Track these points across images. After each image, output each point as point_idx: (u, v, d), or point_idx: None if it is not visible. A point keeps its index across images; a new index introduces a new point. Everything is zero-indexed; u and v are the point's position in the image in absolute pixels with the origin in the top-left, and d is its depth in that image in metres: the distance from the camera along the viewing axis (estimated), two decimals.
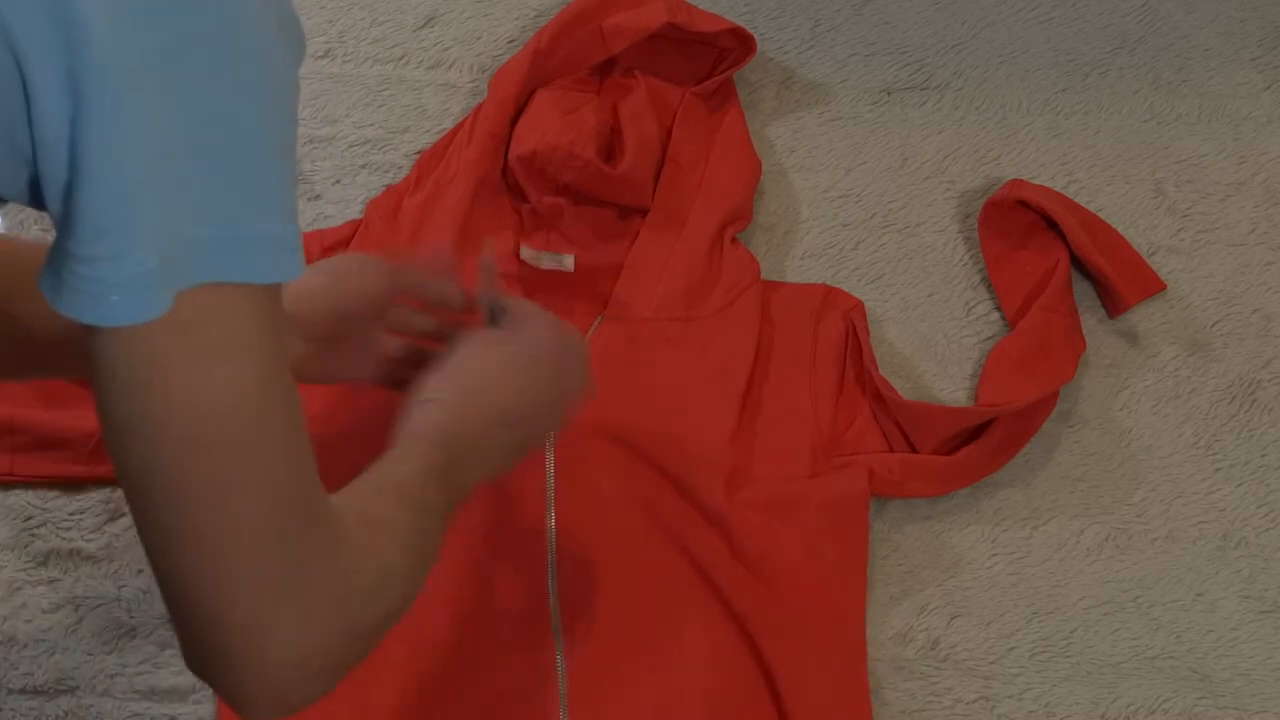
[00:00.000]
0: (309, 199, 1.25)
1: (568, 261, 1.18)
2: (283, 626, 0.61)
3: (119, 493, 1.10)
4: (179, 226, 0.54)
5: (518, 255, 1.19)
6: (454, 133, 1.26)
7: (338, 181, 1.26)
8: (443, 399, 0.82)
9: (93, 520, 1.09)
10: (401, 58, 1.34)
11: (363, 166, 1.27)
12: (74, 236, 0.54)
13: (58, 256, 0.55)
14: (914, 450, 1.13)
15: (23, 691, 1.03)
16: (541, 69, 1.25)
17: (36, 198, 0.56)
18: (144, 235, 0.54)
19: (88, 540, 1.09)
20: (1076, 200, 1.27)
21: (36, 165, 0.54)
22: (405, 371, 0.93)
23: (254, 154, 0.56)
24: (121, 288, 0.54)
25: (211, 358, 0.56)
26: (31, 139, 0.53)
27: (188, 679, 1.04)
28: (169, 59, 0.53)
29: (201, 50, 0.53)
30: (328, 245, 1.19)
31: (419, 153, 1.27)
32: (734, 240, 1.22)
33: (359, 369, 0.98)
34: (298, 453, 0.61)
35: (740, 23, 1.30)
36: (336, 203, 1.25)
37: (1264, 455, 1.18)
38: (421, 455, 0.77)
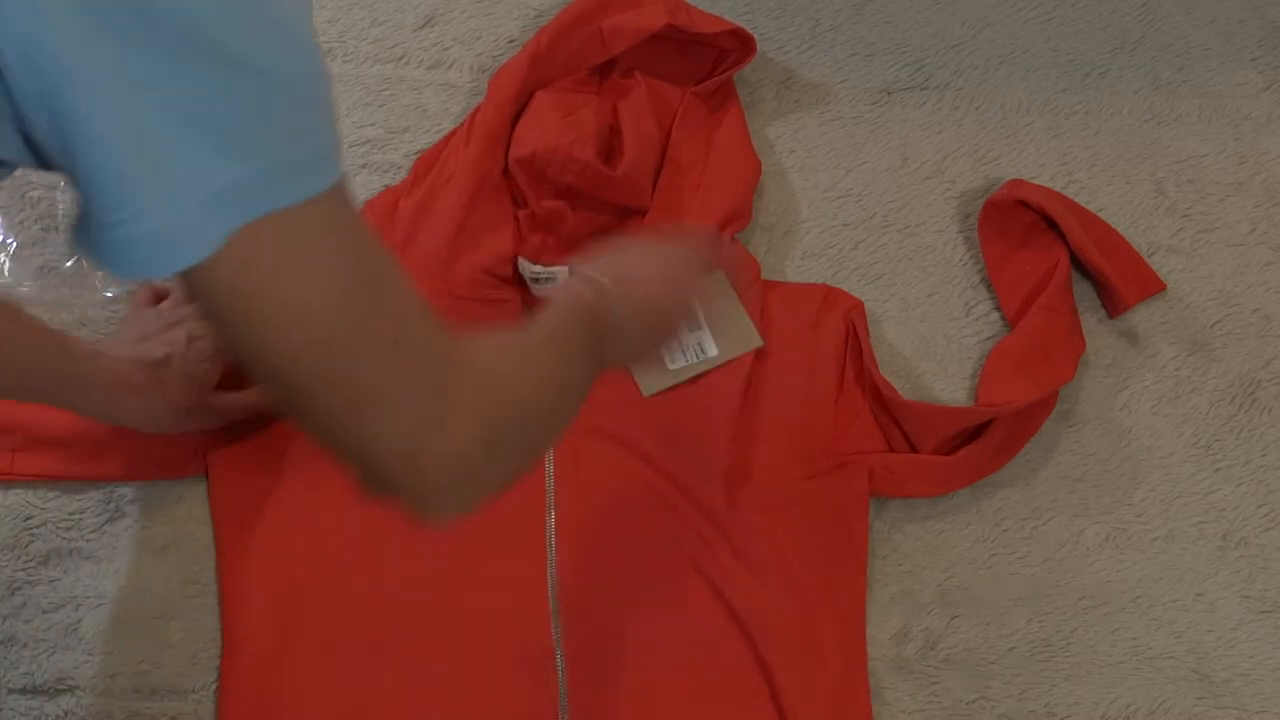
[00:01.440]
0: None
1: (561, 280, 1.18)
2: (436, 450, 0.67)
3: (119, 492, 1.10)
4: (199, 172, 0.56)
5: (514, 260, 1.19)
6: (451, 135, 1.26)
7: None
8: (594, 279, 0.87)
9: (93, 520, 1.10)
10: (401, 58, 1.34)
11: (363, 166, 1.27)
12: (98, 202, 0.55)
13: (90, 226, 0.57)
14: (914, 450, 1.13)
15: (23, 691, 1.03)
16: (541, 70, 1.25)
17: (41, 160, 0.58)
18: (164, 191, 0.55)
19: (88, 540, 1.09)
20: (1076, 200, 1.27)
21: (26, 126, 0.55)
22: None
23: (266, 84, 0.58)
24: (149, 240, 0.56)
25: (294, 270, 0.60)
26: (12, 99, 0.54)
27: (188, 679, 1.04)
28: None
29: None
30: None
31: (419, 153, 1.27)
32: (733, 240, 1.22)
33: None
34: (406, 306, 0.66)
35: (740, 23, 1.30)
36: None
37: (1264, 455, 1.18)
38: (571, 317, 0.83)
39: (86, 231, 0.58)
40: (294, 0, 0.61)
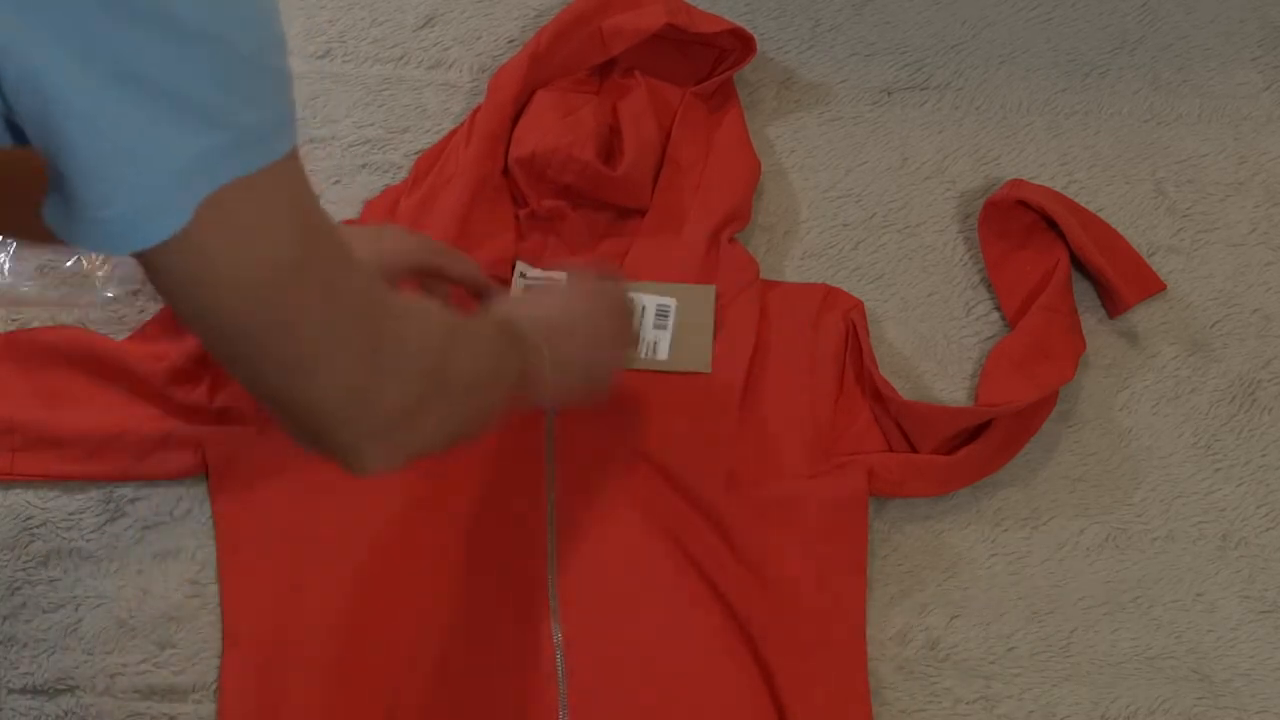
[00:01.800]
0: None
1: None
2: (368, 404, 0.71)
3: (119, 492, 1.10)
4: (172, 145, 0.56)
5: (513, 261, 1.19)
6: (451, 135, 1.26)
7: (337, 181, 1.26)
8: (528, 337, 0.91)
9: (93, 520, 1.09)
10: (401, 58, 1.34)
11: (362, 166, 1.27)
12: (71, 181, 0.56)
13: (59, 198, 0.57)
14: (914, 450, 1.13)
15: (23, 691, 1.03)
16: (541, 70, 1.25)
17: (18, 136, 0.58)
18: (138, 165, 0.55)
19: (88, 540, 1.09)
20: (1076, 200, 1.27)
21: (12, 113, 0.55)
22: None
23: (229, 53, 0.57)
24: (127, 218, 0.56)
25: (255, 233, 0.61)
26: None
27: (187, 679, 1.04)
28: None
29: None
30: None
31: (419, 153, 1.27)
32: (732, 240, 1.22)
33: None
34: (349, 265, 0.68)
35: (740, 23, 1.30)
36: (336, 203, 1.25)
37: (1264, 455, 1.18)
38: (499, 318, 0.89)
39: (59, 208, 0.58)
40: None
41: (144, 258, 0.60)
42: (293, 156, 0.63)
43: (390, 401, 0.72)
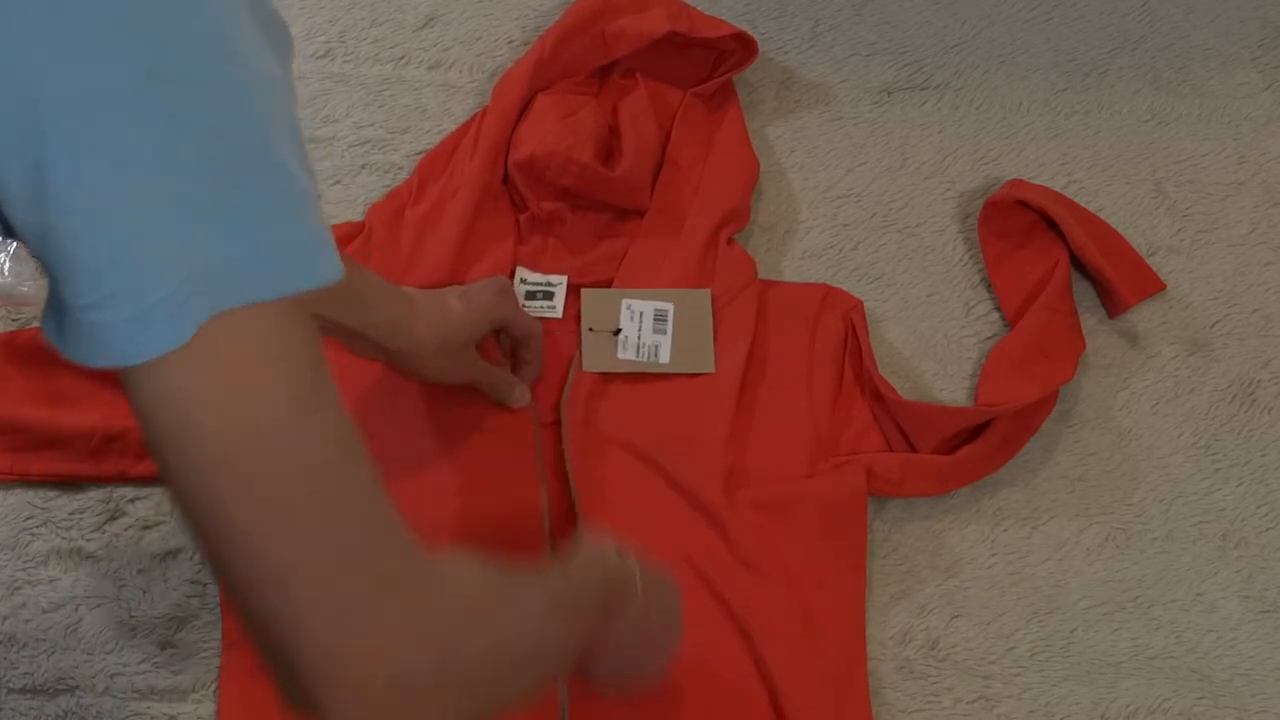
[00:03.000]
0: None
1: (558, 306, 1.18)
2: (363, 657, 0.57)
3: (119, 492, 1.10)
4: (180, 254, 0.51)
5: (513, 268, 1.19)
6: (457, 138, 1.26)
7: (338, 181, 1.27)
8: (622, 556, 0.82)
9: (93, 520, 1.10)
10: (401, 58, 1.35)
11: (363, 167, 1.27)
12: (67, 282, 0.51)
13: (54, 303, 0.52)
14: (914, 450, 1.13)
15: (23, 691, 1.03)
16: (544, 76, 1.25)
17: (10, 232, 0.54)
18: (141, 271, 0.51)
19: (88, 540, 1.09)
20: (1076, 200, 1.27)
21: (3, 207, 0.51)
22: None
23: (251, 162, 0.53)
24: (123, 327, 0.51)
25: (236, 388, 0.53)
26: None
27: (187, 678, 1.04)
28: (149, 79, 0.50)
29: (182, 65, 0.51)
30: None
31: (419, 153, 1.27)
32: (730, 240, 1.22)
33: (459, 375, 1.08)
34: (354, 473, 0.58)
35: (740, 23, 1.30)
36: (337, 203, 1.25)
37: (1264, 455, 1.18)
38: (586, 575, 0.77)
39: (53, 317, 0.52)
40: (276, 87, 0.56)
41: (126, 374, 0.53)
42: (300, 304, 0.55)
43: (398, 663, 0.57)
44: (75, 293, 0.51)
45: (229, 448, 0.54)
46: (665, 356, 1.15)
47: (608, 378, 1.14)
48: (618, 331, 1.15)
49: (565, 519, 1.09)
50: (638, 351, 1.15)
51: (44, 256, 0.52)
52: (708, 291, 1.18)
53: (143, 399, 0.54)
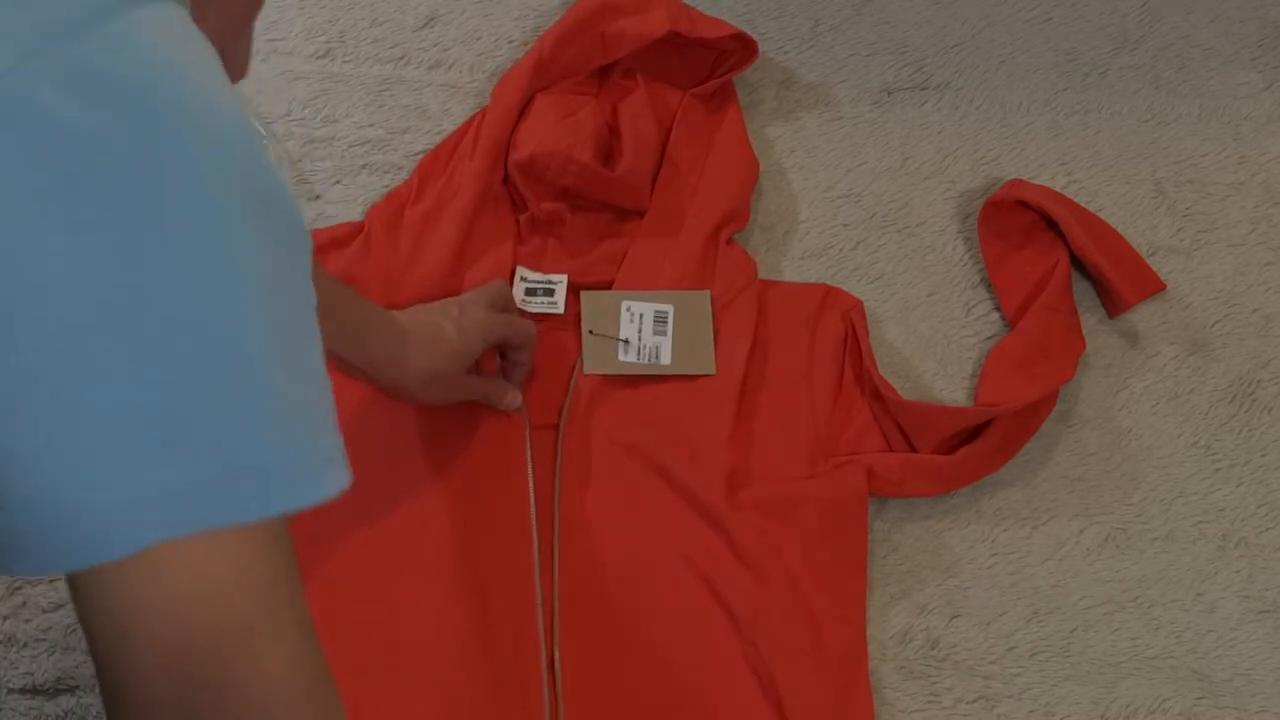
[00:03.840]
0: (309, 199, 1.25)
1: (559, 301, 1.18)
2: None
3: None
4: (140, 471, 0.47)
5: (514, 268, 1.19)
6: (457, 138, 1.26)
7: (338, 181, 1.27)
8: None
9: None
10: (401, 58, 1.35)
11: (363, 167, 1.27)
12: (12, 509, 0.48)
13: None
14: (914, 450, 1.13)
15: (23, 691, 1.03)
16: (544, 76, 1.25)
17: None
18: (96, 494, 0.47)
19: None
20: (1076, 200, 1.27)
21: None
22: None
23: (234, 370, 0.49)
24: (77, 544, 0.48)
25: (187, 606, 0.50)
26: None
27: None
28: (130, 295, 0.46)
29: (165, 276, 0.47)
30: (323, 243, 1.19)
31: (419, 153, 1.27)
32: (730, 241, 1.22)
33: (450, 399, 1.08)
34: (309, 702, 0.55)
35: (740, 23, 1.30)
36: (336, 203, 1.25)
37: (1264, 455, 1.18)
38: None
39: None
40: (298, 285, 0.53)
41: (71, 591, 0.51)
42: (278, 525, 0.51)
43: None
44: (17, 517, 0.47)
45: (167, 677, 0.50)
46: (666, 358, 1.15)
47: (609, 380, 1.14)
48: (622, 340, 1.15)
49: (561, 521, 1.09)
50: (638, 354, 1.15)
51: None
52: (707, 293, 1.18)
53: (85, 607, 0.50)
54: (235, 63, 0.66)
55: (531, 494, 1.09)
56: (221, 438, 0.49)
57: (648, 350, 1.15)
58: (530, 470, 1.10)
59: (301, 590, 0.54)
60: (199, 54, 0.51)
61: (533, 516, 1.08)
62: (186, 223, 0.48)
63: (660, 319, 1.16)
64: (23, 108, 0.45)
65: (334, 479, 0.53)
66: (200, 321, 0.48)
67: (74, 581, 0.50)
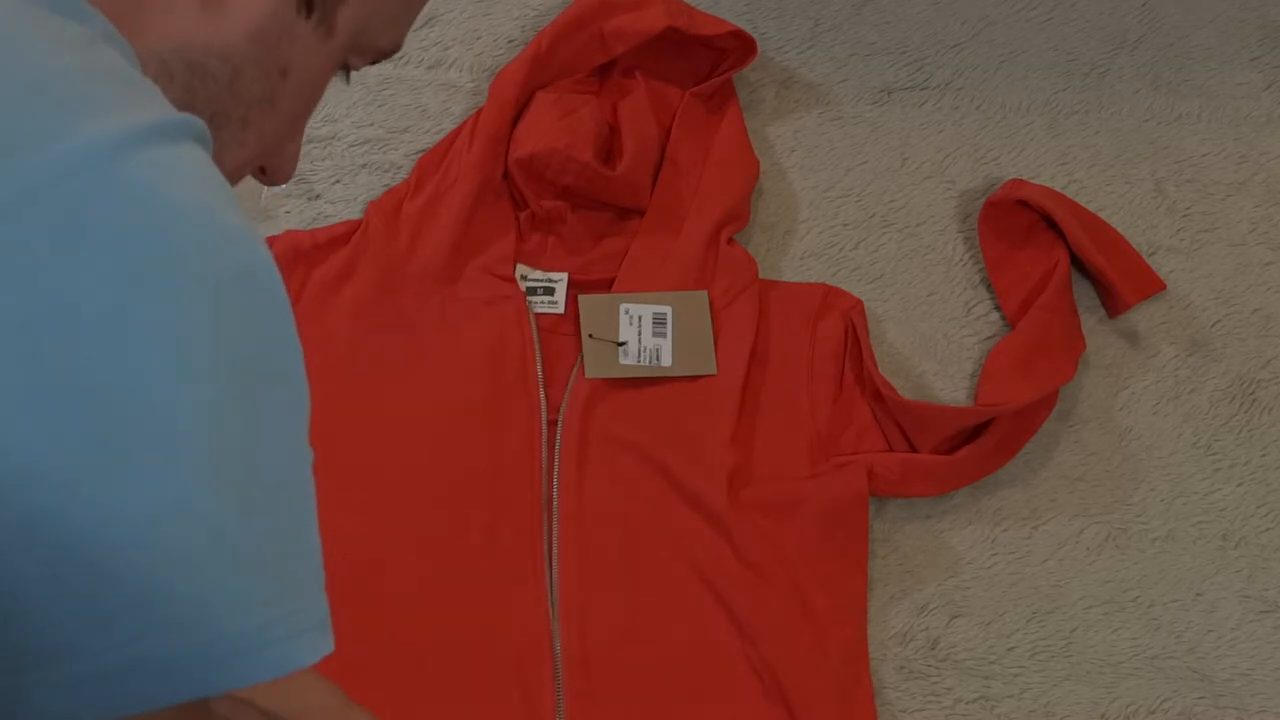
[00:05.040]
0: (309, 199, 1.25)
1: (560, 301, 1.18)
2: None
3: None
4: (82, 648, 0.44)
5: (514, 264, 1.19)
6: (454, 136, 1.26)
7: (338, 181, 1.26)
8: None
9: None
10: (401, 58, 1.34)
11: (363, 166, 1.27)
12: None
13: None
14: (914, 450, 1.13)
15: None
16: (542, 72, 1.25)
17: None
18: (67, 659, 0.44)
19: None
20: (1076, 200, 1.27)
21: None
22: None
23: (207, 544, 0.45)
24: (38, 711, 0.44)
25: None
26: None
27: None
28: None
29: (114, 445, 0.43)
30: (322, 241, 1.19)
31: (419, 153, 1.27)
32: (730, 241, 1.22)
33: None
34: None
35: (740, 23, 1.30)
36: (336, 202, 1.25)
37: (1264, 455, 1.18)
38: None
39: None
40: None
41: None
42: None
43: None
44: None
45: None
46: (667, 359, 1.15)
47: (608, 380, 1.14)
48: (621, 344, 1.15)
49: (560, 519, 1.09)
50: (639, 356, 1.15)
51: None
52: (704, 293, 1.18)
53: None
54: (282, 168, 0.63)
55: (554, 496, 1.09)
56: (179, 613, 0.45)
57: (648, 352, 1.15)
58: (556, 472, 1.10)
59: None
60: (213, 195, 0.47)
61: (546, 516, 1.08)
62: (189, 378, 0.44)
63: (659, 320, 1.16)
64: (13, 256, 0.42)
65: (325, 643, 0.50)
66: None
67: None
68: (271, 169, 0.61)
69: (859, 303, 1.20)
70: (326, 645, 0.50)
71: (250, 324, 0.46)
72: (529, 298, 1.17)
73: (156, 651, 0.44)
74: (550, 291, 1.18)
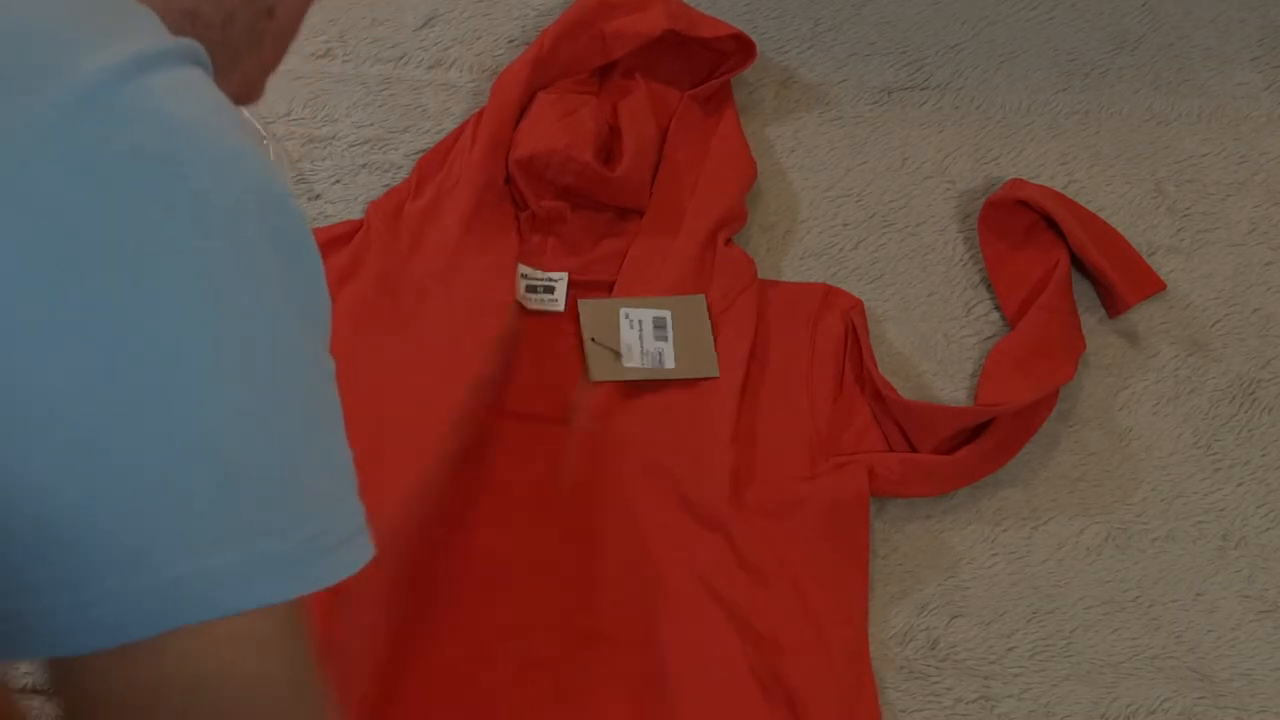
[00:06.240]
0: (309, 199, 1.25)
1: (560, 299, 1.18)
2: None
3: None
4: (146, 562, 0.45)
5: (515, 265, 1.19)
6: (455, 136, 1.26)
7: (338, 181, 1.27)
8: None
9: None
10: (401, 58, 1.35)
11: (363, 166, 1.27)
12: (18, 593, 0.45)
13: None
14: (914, 450, 1.13)
15: (23, 691, 1.03)
16: (543, 73, 1.26)
17: None
18: (98, 581, 0.45)
19: None
20: (1076, 200, 1.27)
21: None
22: None
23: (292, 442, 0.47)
24: (83, 629, 0.45)
25: (211, 688, 0.47)
26: None
27: None
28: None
29: (151, 366, 0.45)
30: (323, 242, 1.19)
31: (419, 153, 1.27)
32: (728, 242, 1.22)
33: None
34: None
35: (740, 23, 1.30)
36: (336, 202, 1.25)
37: (1264, 455, 1.18)
38: None
39: None
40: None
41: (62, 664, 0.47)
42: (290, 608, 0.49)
43: None
44: (25, 598, 0.45)
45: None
46: (670, 362, 1.15)
47: (610, 384, 1.14)
48: (618, 354, 1.15)
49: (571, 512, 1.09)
50: (642, 359, 1.15)
51: None
52: (702, 297, 1.18)
53: (97, 688, 0.47)
54: (254, 94, 0.64)
55: (554, 498, 1.09)
56: (227, 528, 0.46)
57: (651, 355, 1.15)
58: (544, 470, 1.10)
59: (318, 664, 0.53)
60: (219, 116, 0.48)
61: (553, 515, 1.08)
62: (210, 302, 0.45)
63: (659, 324, 1.16)
64: (31, 196, 0.42)
65: (364, 549, 0.52)
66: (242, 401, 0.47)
67: (69, 667, 0.47)
68: (245, 96, 0.62)
69: (859, 303, 1.20)
70: (366, 553, 0.51)
71: (265, 242, 0.47)
72: (530, 297, 1.17)
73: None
74: (550, 290, 1.18)
